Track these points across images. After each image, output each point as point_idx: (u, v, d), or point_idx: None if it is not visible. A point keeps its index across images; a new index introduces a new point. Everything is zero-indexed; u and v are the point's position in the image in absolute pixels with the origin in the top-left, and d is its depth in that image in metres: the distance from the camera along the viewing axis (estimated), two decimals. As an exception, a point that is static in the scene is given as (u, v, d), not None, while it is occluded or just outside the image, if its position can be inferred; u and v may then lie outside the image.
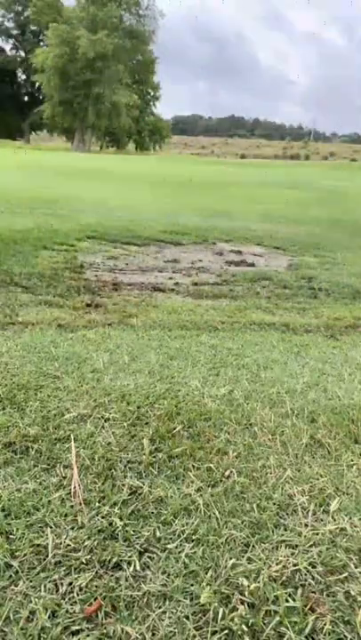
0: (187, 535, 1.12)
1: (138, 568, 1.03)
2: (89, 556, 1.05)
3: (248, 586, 0.98)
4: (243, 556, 1.07)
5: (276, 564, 1.05)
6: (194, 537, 1.11)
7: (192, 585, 0.99)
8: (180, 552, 1.07)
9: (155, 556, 1.06)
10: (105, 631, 0.89)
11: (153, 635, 0.89)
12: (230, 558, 1.06)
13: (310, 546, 1.10)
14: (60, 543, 1.07)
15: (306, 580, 1.01)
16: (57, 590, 0.97)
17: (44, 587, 0.97)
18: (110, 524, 1.14)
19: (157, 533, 1.12)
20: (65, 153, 36.65)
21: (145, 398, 1.72)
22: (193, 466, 1.37)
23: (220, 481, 1.32)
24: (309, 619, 0.93)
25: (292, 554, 1.08)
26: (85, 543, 1.08)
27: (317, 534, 1.14)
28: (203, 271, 4.32)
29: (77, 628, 0.90)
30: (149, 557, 1.06)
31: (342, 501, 1.25)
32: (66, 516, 1.15)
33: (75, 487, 1.24)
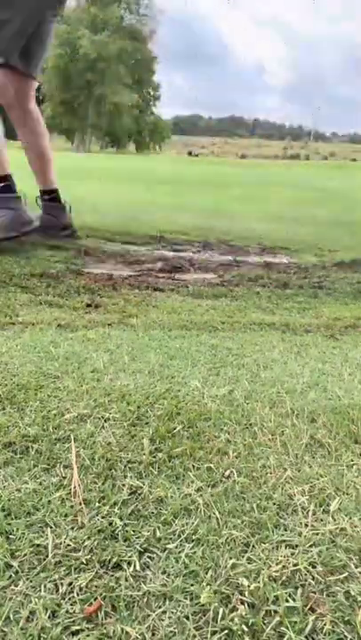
0: (187, 535, 1.12)
1: (138, 568, 1.03)
2: (89, 556, 1.05)
3: (248, 586, 0.98)
4: (243, 556, 1.07)
5: (276, 564, 1.05)
6: (194, 537, 1.11)
7: (192, 585, 0.99)
8: (180, 552, 1.07)
9: (155, 555, 1.06)
10: (105, 631, 0.89)
11: (153, 635, 0.89)
12: (230, 558, 1.06)
13: (310, 546, 1.10)
14: (60, 543, 1.07)
15: (306, 580, 1.01)
16: (57, 590, 0.96)
17: (44, 587, 0.97)
18: (110, 524, 1.14)
19: (157, 533, 1.12)
20: (65, 153, 36.66)
21: (145, 398, 1.71)
22: (193, 466, 1.37)
23: (220, 481, 1.32)
24: (309, 619, 0.92)
25: (292, 554, 1.08)
26: (85, 543, 1.08)
27: (317, 534, 1.14)
28: (203, 271, 4.32)
29: (77, 627, 0.89)
30: (149, 557, 1.06)
31: (342, 501, 1.25)
32: (66, 515, 1.15)
33: (75, 487, 1.24)
